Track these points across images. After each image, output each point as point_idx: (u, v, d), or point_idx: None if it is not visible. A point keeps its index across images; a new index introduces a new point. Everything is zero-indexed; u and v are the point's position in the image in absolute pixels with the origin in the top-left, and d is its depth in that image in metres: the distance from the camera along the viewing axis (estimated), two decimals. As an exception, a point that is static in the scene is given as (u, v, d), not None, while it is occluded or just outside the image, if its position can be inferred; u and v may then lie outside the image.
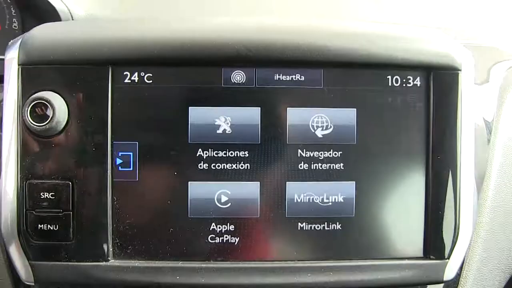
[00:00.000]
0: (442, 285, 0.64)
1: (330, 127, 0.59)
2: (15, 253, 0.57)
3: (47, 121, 0.55)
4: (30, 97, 0.55)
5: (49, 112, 0.55)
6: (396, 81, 0.59)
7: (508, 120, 0.72)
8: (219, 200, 0.58)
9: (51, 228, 0.57)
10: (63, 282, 0.58)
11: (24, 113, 0.55)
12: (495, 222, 0.67)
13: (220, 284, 0.56)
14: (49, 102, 0.55)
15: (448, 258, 0.59)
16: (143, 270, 0.57)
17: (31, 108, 0.55)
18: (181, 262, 0.57)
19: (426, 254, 0.60)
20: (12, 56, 0.57)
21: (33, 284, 0.58)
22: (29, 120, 0.55)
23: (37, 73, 0.56)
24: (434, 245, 0.59)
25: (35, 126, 0.55)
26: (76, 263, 0.57)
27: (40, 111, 0.55)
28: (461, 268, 0.64)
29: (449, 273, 0.60)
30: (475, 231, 0.66)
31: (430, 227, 0.59)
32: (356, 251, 0.59)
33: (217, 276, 0.57)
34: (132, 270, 0.57)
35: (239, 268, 0.57)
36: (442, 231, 0.59)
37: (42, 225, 0.57)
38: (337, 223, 0.59)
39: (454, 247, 0.59)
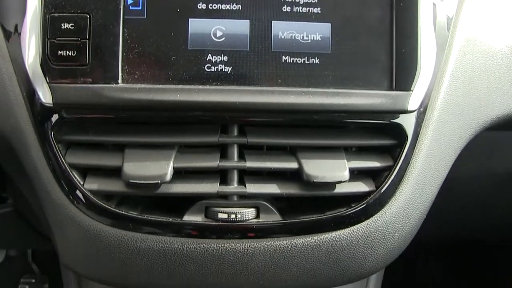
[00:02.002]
0: (413, 122, 0.72)
1: (309, -24, 0.69)
2: (37, 77, 0.66)
3: None
4: None
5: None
6: None
7: (465, 19, 0.83)
8: (214, 34, 0.68)
9: (70, 54, 0.66)
10: (78, 103, 0.66)
11: None
12: (454, 86, 0.77)
13: (215, 101, 0.65)
14: None
15: (411, 90, 0.69)
16: (148, 90, 0.66)
17: None
18: (181, 85, 0.67)
19: (393, 88, 0.69)
20: None
21: (51, 105, 0.66)
22: None
23: None
24: (399, 79, 0.69)
25: None
26: (90, 85, 0.66)
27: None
28: (424, 109, 0.73)
29: (413, 104, 0.69)
30: (436, 91, 0.75)
31: (396, 64, 0.69)
32: (332, 82, 0.68)
33: (213, 95, 0.66)
34: (139, 91, 0.66)
35: (232, 90, 0.66)
36: (406, 67, 0.69)
37: (62, 51, 0.66)
38: (316, 57, 0.69)
39: (416, 81, 0.69)
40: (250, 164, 0.68)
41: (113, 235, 0.68)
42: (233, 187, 0.68)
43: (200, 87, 0.66)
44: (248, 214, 0.68)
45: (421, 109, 0.72)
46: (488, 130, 0.85)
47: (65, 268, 0.95)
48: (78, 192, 0.68)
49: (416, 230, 0.77)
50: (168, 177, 0.66)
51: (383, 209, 0.71)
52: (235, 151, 0.69)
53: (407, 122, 0.72)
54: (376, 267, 0.74)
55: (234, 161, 0.69)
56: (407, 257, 1.30)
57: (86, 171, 0.70)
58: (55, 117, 0.69)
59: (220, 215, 0.68)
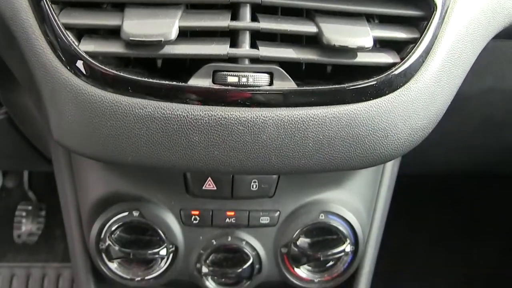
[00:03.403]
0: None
1: None
2: None
3: None
4: None
5: None
6: None
7: None
8: None
9: None
10: None
11: None
12: None
13: None
14: None
15: None
16: None
17: None
18: None
19: None
20: None
21: None
22: None
23: None
24: None
25: None
26: None
27: None
28: None
29: None
30: None
31: None
32: None
33: None
34: None
35: None
36: None
37: None
38: None
39: None
40: (264, 25, 0.61)
41: (109, 100, 0.61)
42: (245, 49, 0.61)
43: None
44: (260, 79, 0.61)
45: None
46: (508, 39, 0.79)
47: (56, 157, 0.88)
48: (72, 54, 0.61)
49: (440, 115, 0.71)
50: (173, 35, 0.59)
51: (408, 83, 0.64)
52: (247, 11, 0.62)
53: None
54: (397, 149, 0.68)
55: (246, 21, 0.62)
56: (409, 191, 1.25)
57: (82, 33, 0.63)
58: (47, -28, 0.61)
59: (230, 79, 0.61)
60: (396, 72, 0.63)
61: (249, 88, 0.61)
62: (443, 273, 1.91)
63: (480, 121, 1.11)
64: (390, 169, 0.92)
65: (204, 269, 0.84)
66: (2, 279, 1.81)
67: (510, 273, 1.84)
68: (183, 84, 0.61)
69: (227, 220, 0.82)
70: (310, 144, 0.63)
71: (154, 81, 0.61)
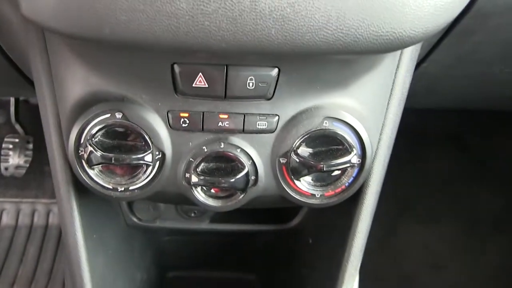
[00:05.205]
0: None
1: None
2: None
3: None
4: None
5: None
6: None
7: None
8: None
9: None
10: None
11: None
12: None
13: None
14: None
15: None
16: None
17: None
18: None
19: None
20: None
21: None
22: None
23: None
24: None
25: None
26: None
27: None
28: None
29: None
30: None
31: None
32: None
33: None
34: None
35: None
36: None
37: None
38: None
39: None
40: None
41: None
42: None
43: None
44: None
45: None
46: None
47: (34, 60, 0.77)
48: None
49: None
50: None
51: None
52: None
53: None
54: (416, 30, 0.58)
55: None
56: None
57: None
58: None
59: None
60: None
61: None
62: (448, 217, 1.86)
63: (501, 45, 1.00)
64: (402, 83, 0.83)
65: (194, 179, 0.77)
66: (-7, 214, 1.76)
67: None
68: None
69: (220, 124, 0.74)
70: (317, 16, 0.54)
71: None
